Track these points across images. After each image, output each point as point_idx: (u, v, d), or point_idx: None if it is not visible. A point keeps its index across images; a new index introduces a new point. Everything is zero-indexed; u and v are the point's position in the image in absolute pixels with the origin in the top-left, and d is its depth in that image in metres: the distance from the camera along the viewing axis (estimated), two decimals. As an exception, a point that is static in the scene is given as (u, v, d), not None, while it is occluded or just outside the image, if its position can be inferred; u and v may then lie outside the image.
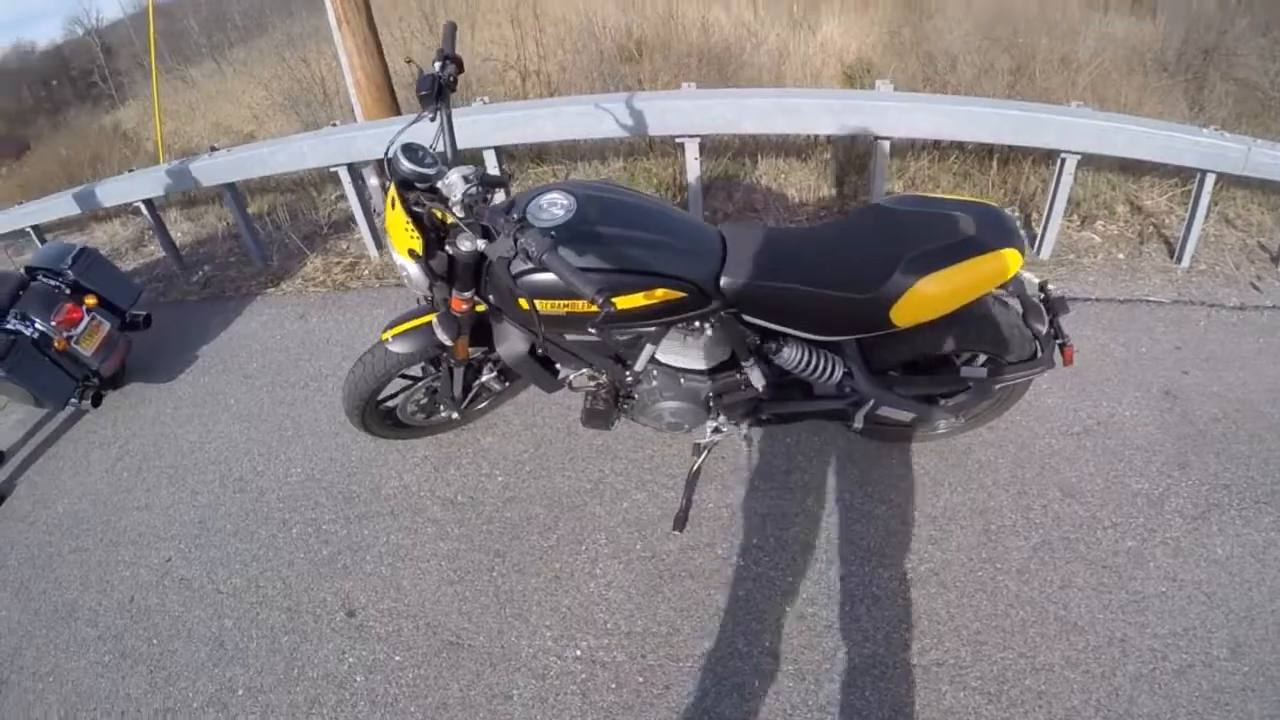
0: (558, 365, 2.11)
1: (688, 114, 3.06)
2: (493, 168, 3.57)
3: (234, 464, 3.04)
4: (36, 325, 3.26)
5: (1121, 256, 3.28)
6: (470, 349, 2.12)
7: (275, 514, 2.73)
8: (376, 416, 2.48)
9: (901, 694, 1.78)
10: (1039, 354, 1.90)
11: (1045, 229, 3.20)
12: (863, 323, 1.74)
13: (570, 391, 2.24)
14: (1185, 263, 3.11)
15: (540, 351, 2.03)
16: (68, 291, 3.42)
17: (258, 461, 3.01)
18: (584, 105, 3.19)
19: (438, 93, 1.73)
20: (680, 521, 2.20)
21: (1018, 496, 2.17)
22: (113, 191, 4.89)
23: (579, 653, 2.01)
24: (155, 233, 4.95)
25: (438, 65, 1.79)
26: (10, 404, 3.88)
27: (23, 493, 3.42)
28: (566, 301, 1.69)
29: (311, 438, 3.02)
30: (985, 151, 3.67)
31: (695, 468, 2.24)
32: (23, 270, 3.55)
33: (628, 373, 1.99)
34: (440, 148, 1.73)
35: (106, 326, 3.48)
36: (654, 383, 2.01)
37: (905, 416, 2.06)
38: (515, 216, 1.42)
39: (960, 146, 3.64)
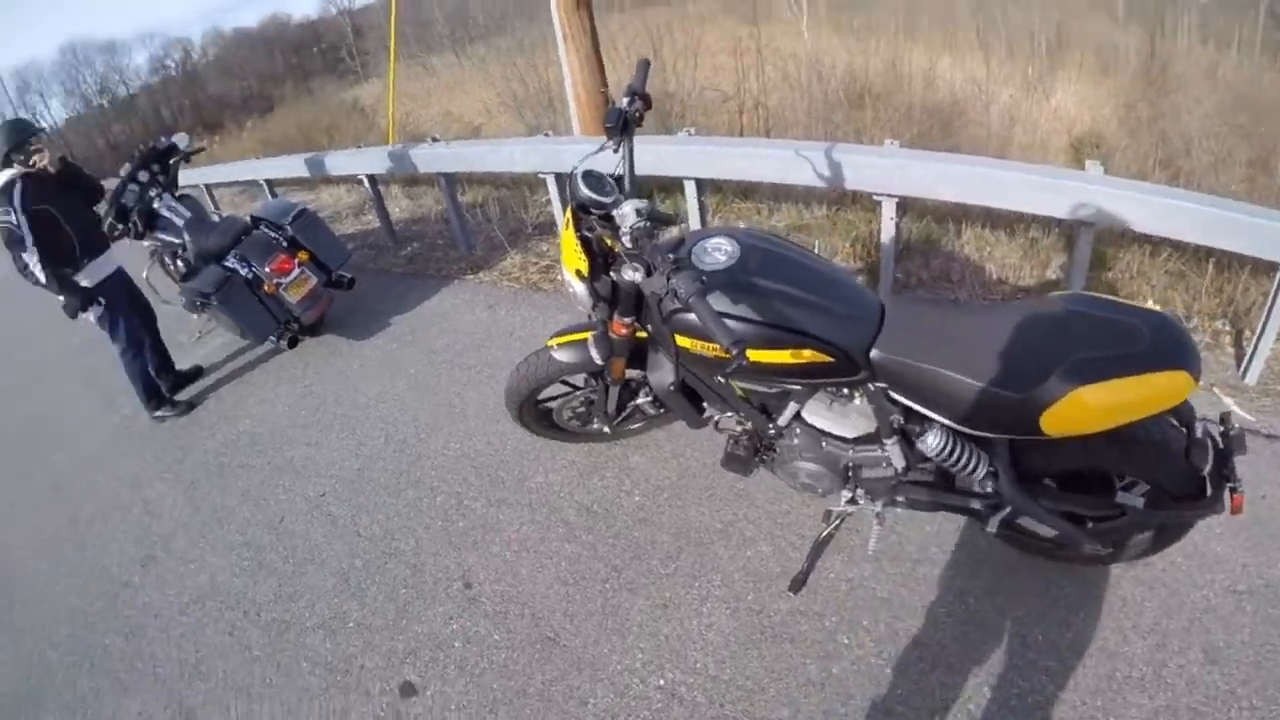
0: (705, 403, 2.17)
1: (886, 172, 3.04)
2: (692, 198, 3.71)
3: (401, 426, 3.36)
4: (252, 268, 3.79)
5: (1346, 397, 2.86)
6: (628, 370, 2.23)
7: (426, 479, 2.99)
8: (534, 414, 2.65)
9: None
10: (1206, 494, 1.70)
11: (1255, 350, 2.84)
12: (1012, 423, 1.64)
13: (716, 432, 2.29)
14: None
15: (686, 386, 2.09)
16: (284, 244, 3.96)
17: (422, 429, 3.30)
18: (784, 150, 3.26)
19: (623, 126, 1.84)
20: (798, 584, 2.16)
21: (1155, 649, 1.92)
22: (340, 163, 5.60)
23: (662, 682, 2.02)
24: (374, 206, 5.60)
25: (625, 100, 1.90)
26: (219, 331, 4.52)
27: (211, 407, 3.99)
28: (714, 346, 1.72)
29: (475, 419, 3.26)
30: (1204, 252, 3.36)
31: (824, 534, 2.20)
32: (249, 218, 4.15)
33: (770, 425, 2.01)
34: (621, 175, 1.84)
35: (313, 281, 3.98)
36: (796, 440, 2.00)
37: (1045, 531, 1.91)
38: (672, 257, 1.51)
39: (1175, 242, 3.35)
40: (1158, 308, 1.67)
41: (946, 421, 1.72)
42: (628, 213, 1.64)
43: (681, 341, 1.79)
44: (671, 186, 4.54)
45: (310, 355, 4.16)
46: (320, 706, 2.22)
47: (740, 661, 2.04)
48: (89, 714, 2.41)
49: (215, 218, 4.39)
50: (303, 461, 3.29)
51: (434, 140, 4.93)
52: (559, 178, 4.17)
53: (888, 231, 3.21)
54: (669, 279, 1.47)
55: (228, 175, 7.47)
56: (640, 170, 3.67)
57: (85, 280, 3.56)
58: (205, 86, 40.45)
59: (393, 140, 6.69)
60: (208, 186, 7.91)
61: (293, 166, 6.14)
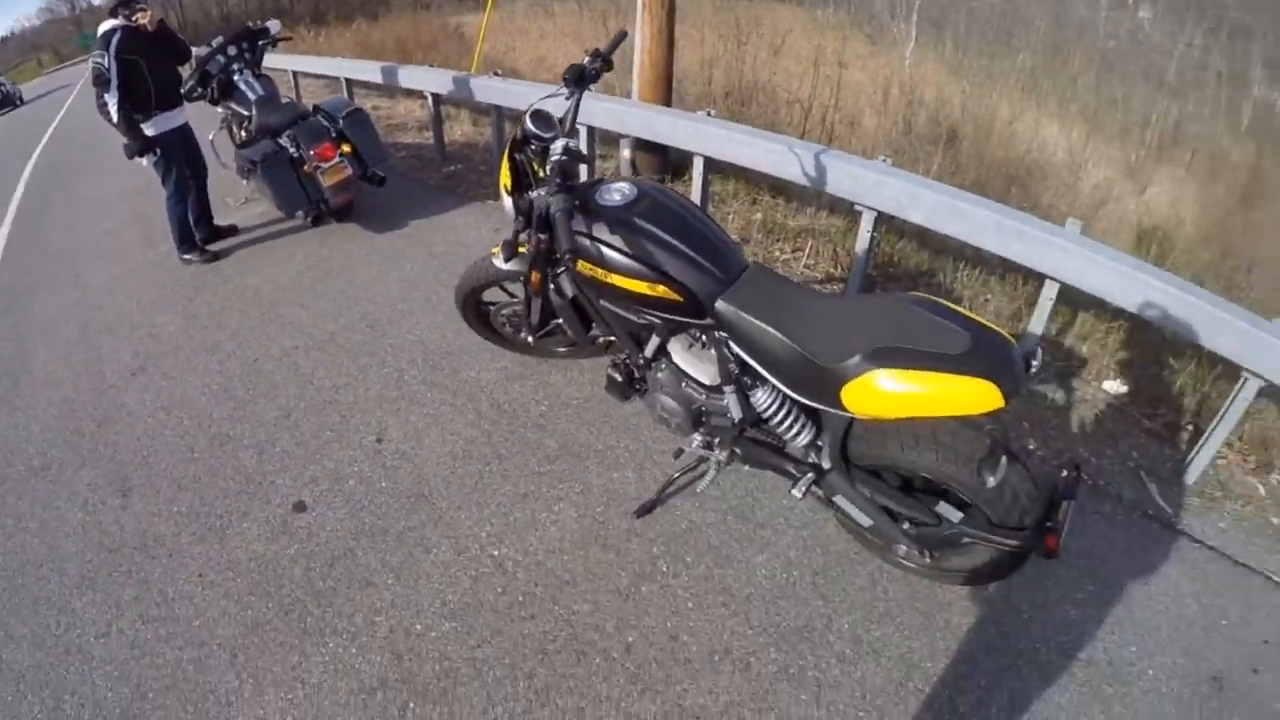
0: (595, 325, 2.50)
1: (865, 184, 3.20)
2: (698, 175, 3.94)
3: (380, 307, 3.84)
4: (299, 149, 4.31)
5: (1277, 522, 2.91)
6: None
7: (381, 353, 3.46)
8: (475, 312, 3.04)
9: None
10: (1023, 528, 1.81)
11: (1200, 450, 2.87)
12: (817, 391, 1.83)
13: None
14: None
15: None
16: (333, 135, 4.46)
17: (395, 314, 3.77)
18: (777, 144, 3.49)
19: (578, 79, 2.23)
20: (643, 510, 2.48)
21: (959, 677, 2.01)
22: (411, 77, 6.13)
23: (495, 553, 2.39)
24: (432, 123, 6.11)
25: (587, 59, 2.31)
26: (261, 200, 5.11)
27: (233, 261, 4.60)
28: (595, 269, 2.05)
29: (441, 315, 3.70)
30: (1173, 338, 3.33)
31: (675, 474, 2.53)
32: (312, 106, 4.69)
33: (640, 356, 2.32)
34: (564, 118, 2.20)
35: (348, 171, 4.47)
36: (660, 375, 2.30)
37: (862, 519, 2.09)
38: (559, 182, 1.95)
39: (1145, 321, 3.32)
40: (1000, 330, 1.74)
41: (775, 382, 1.97)
42: (557, 147, 2.03)
43: (581, 266, 2.11)
44: (678, 165, 4.86)
45: (330, 236, 4.69)
46: (230, 504, 2.70)
47: (566, 557, 2.37)
48: (54, 488, 2.97)
49: (285, 100, 4.94)
50: (290, 318, 3.81)
51: (495, 74, 5.36)
52: (590, 130, 4.52)
53: (863, 242, 3.40)
54: (553, 195, 1.90)
55: (315, 67, 8.14)
56: (653, 139, 3.97)
57: (150, 129, 4.14)
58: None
59: (475, 70, 7.15)
60: (295, 73, 8.65)
61: (371, 71, 6.71)
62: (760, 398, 2.06)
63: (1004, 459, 1.81)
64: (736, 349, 2.01)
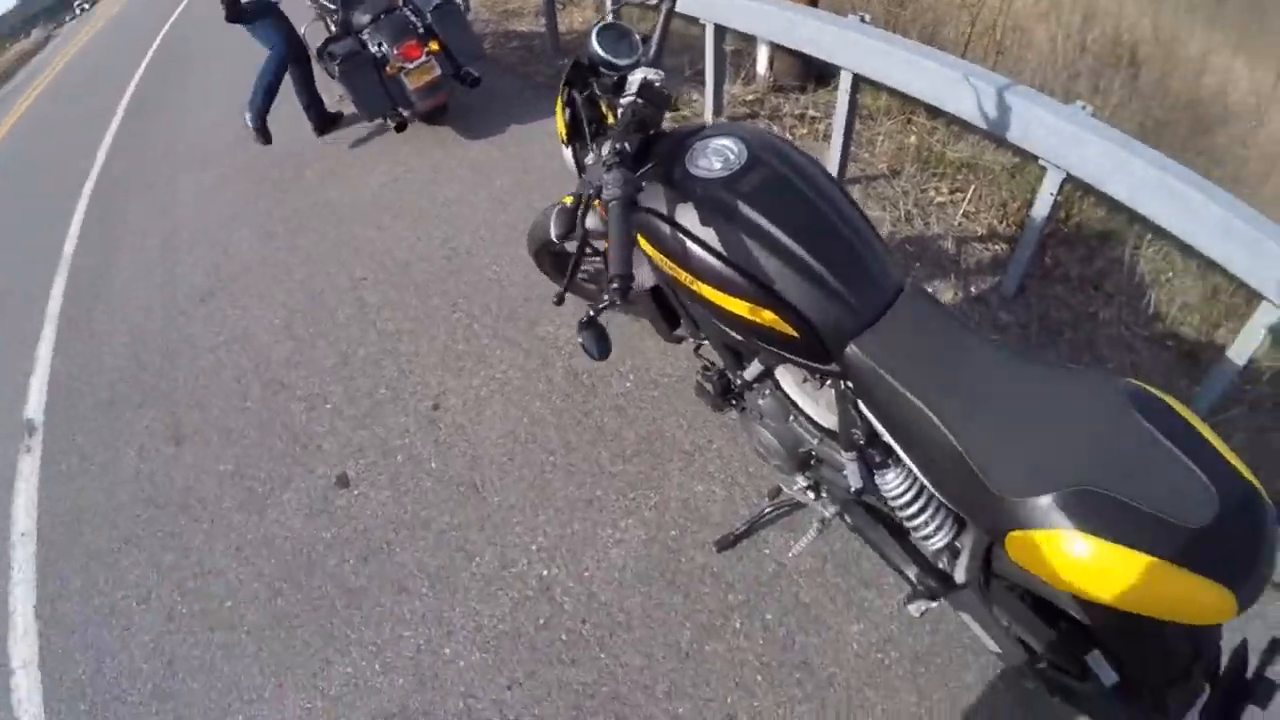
0: (681, 321, 1.99)
1: (1062, 138, 2.43)
2: (844, 95, 3.17)
3: (460, 234, 3.53)
4: (381, 47, 3.95)
5: None
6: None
7: (453, 293, 3.18)
8: (551, 260, 2.63)
9: None
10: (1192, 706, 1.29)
11: None
12: (972, 509, 1.30)
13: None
14: None
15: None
16: (420, 30, 4.05)
17: (476, 243, 3.46)
18: (949, 69, 2.69)
19: None
20: (725, 544, 2.07)
21: None
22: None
23: (545, 573, 2.10)
24: (544, 14, 5.54)
25: None
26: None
27: (317, 167, 4.46)
28: (677, 269, 1.51)
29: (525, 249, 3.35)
30: None
31: (767, 509, 2.07)
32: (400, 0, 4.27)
33: (738, 374, 1.82)
34: (649, 36, 1.61)
35: (437, 72, 4.07)
36: (763, 401, 1.76)
37: (988, 642, 1.58)
38: (619, 148, 1.35)
39: None
40: (1252, 478, 1.13)
41: (915, 469, 1.42)
42: (634, 81, 1.47)
43: (643, 243, 1.60)
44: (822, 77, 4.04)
45: (419, 141, 4.39)
46: (273, 468, 2.58)
47: (625, 591, 2.04)
48: (116, 427, 2.98)
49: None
50: (363, 242, 3.60)
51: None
52: (717, 29, 3.82)
53: (1042, 207, 2.63)
54: (608, 170, 1.31)
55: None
56: (793, 45, 3.23)
57: None
58: None
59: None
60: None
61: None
62: (890, 479, 1.51)
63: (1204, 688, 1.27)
64: (867, 412, 1.46)
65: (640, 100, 1.45)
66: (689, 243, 1.44)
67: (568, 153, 1.81)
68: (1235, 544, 1.06)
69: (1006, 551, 1.20)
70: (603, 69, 1.60)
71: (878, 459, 1.50)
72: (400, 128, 4.28)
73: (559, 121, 1.78)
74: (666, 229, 1.47)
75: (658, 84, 1.48)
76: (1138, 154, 2.28)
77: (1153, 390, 1.22)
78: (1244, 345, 2.26)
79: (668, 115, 1.73)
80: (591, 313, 1.41)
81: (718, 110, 3.98)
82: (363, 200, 3.95)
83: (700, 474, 2.27)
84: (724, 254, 1.41)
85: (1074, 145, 2.40)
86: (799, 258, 1.39)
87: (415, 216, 3.71)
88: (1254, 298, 2.18)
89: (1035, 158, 2.55)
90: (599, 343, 1.40)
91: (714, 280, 1.44)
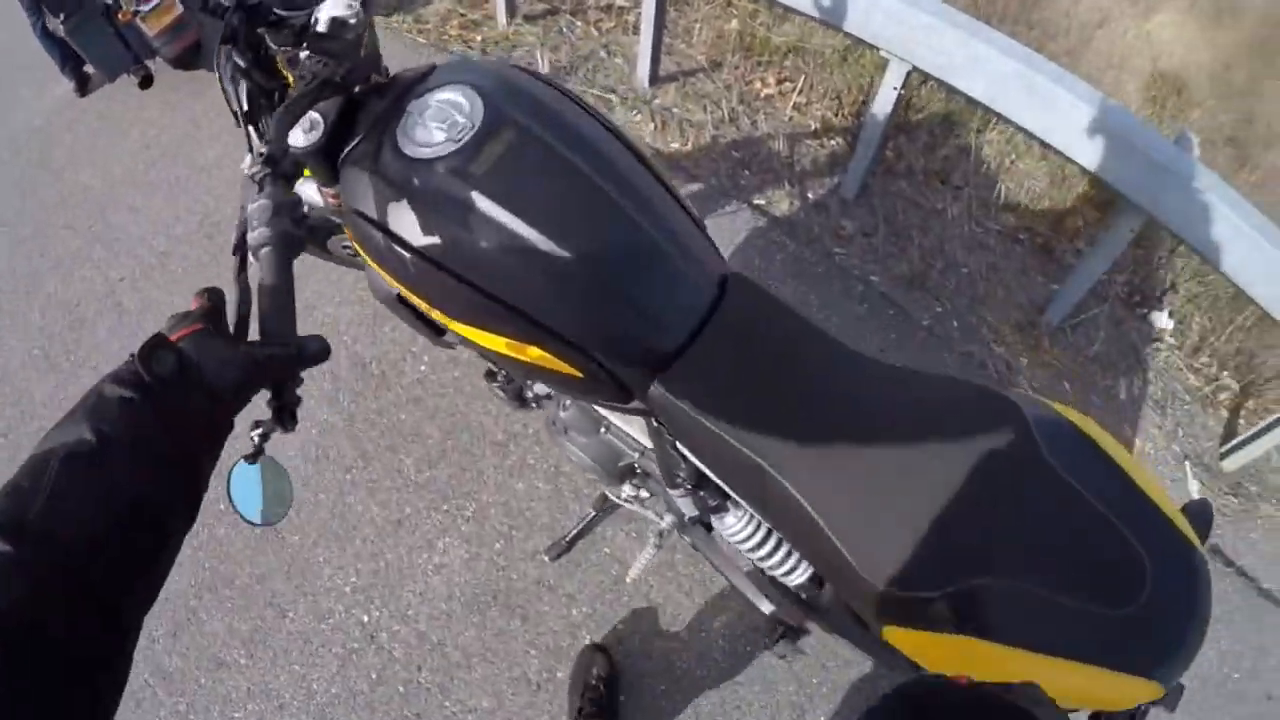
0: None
1: (906, 28, 2.08)
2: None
3: (222, 203, 3.04)
4: None
5: None
6: None
7: (222, 277, 2.62)
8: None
9: None
10: None
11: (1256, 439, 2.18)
12: (835, 584, 1.08)
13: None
14: None
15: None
16: None
17: (237, 212, 2.93)
18: None
19: None
20: (556, 551, 1.89)
21: None
22: None
23: (366, 619, 1.90)
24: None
25: None
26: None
27: (67, 144, 3.67)
28: (408, 289, 1.10)
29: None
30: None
31: (591, 518, 1.87)
32: None
33: (528, 390, 1.53)
34: None
35: (178, 10, 3.35)
36: (564, 414, 1.46)
37: (878, 661, 1.44)
38: (269, 148, 0.89)
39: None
40: (1188, 532, 0.91)
41: (758, 515, 1.19)
42: (320, 22, 1.01)
43: (362, 254, 1.17)
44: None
45: (174, 92, 3.67)
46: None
47: (456, 624, 1.86)
48: None
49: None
50: (119, 231, 3.06)
51: None
52: None
53: (884, 102, 2.30)
54: (260, 187, 0.88)
55: None
56: None
57: None
58: None
59: None
60: None
61: None
62: (731, 522, 1.26)
63: None
64: (689, 455, 1.16)
65: (315, 56, 0.98)
66: (409, 257, 1.01)
67: (255, 138, 1.30)
68: (1165, 626, 0.87)
69: (888, 642, 0.97)
70: (278, 10, 1.10)
71: (711, 503, 1.24)
72: (145, 83, 3.59)
73: (227, 98, 1.24)
74: (380, 239, 1.03)
75: (352, 20, 1.01)
76: (994, 44, 2.00)
77: (1061, 412, 0.97)
78: (1108, 250, 2.19)
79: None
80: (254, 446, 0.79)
81: (511, 12, 3.45)
82: (115, 177, 3.33)
83: (518, 468, 2.04)
84: (457, 272, 1.00)
85: (927, 35, 2.09)
86: (569, 271, 0.99)
87: (172, 189, 3.15)
88: (1115, 196, 2.08)
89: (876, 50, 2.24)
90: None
91: (452, 310, 1.06)
